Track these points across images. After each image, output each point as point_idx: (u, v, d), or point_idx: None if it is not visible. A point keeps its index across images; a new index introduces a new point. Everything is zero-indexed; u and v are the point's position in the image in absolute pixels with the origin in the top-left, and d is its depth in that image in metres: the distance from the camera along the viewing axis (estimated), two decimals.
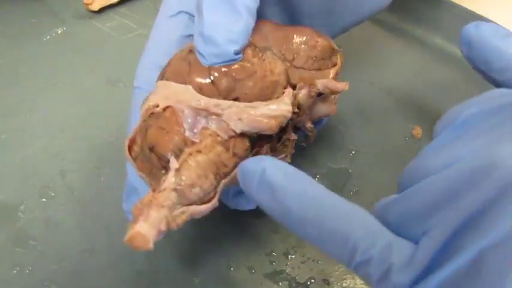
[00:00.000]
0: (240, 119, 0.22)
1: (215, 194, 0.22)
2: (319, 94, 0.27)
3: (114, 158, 0.34)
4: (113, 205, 0.32)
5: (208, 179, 0.21)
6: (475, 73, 0.27)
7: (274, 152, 0.26)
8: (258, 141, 0.24)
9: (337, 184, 0.34)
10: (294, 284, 0.29)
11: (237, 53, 0.22)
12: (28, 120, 0.37)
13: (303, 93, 0.25)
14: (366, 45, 0.44)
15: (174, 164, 0.21)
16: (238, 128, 0.22)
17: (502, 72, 0.24)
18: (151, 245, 0.19)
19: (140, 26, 0.46)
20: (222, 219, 0.31)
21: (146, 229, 0.19)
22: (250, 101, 0.23)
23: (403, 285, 0.17)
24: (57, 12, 0.47)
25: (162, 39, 0.27)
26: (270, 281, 0.29)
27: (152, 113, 0.23)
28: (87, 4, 0.46)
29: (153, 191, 0.21)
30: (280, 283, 0.29)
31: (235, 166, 0.22)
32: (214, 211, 0.22)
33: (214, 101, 0.22)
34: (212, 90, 0.22)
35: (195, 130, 0.22)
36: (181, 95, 0.22)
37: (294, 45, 0.26)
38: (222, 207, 0.23)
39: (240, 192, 0.27)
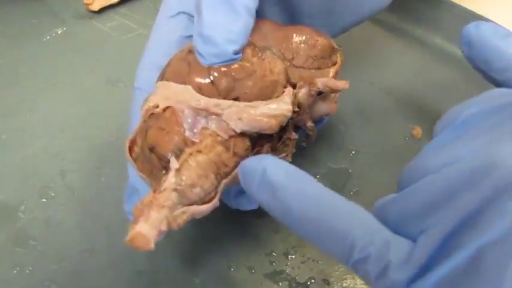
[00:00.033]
0: (240, 119, 0.22)
1: (216, 193, 0.22)
2: (320, 93, 0.27)
3: (114, 158, 0.34)
4: (113, 205, 0.32)
5: (208, 179, 0.21)
6: (475, 73, 0.27)
7: (275, 152, 0.26)
8: (259, 141, 0.24)
9: (337, 184, 0.34)
10: (294, 284, 0.29)
11: (236, 53, 0.22)
12: (28, 120, 0.37)
13: (303, 92, 0.25)
14: (366, 45, 0.44)
15: (174, 164, 0.21)
16: (239, 127, 0.22)
17: (502, 72, 0.24)
18: (152, 246, 0.19)
19: (140, 26, 0.46)
20: (222, 219, 0.31)
21: (147, 229, 0.20)
22: (250, 101, 0.23)
23: (400, 282, 0.17)
24: (57, 12, 0.47)
25: (162, 40, 0.27)
26: (270, 281, 0.29)
27: (152, 114, 0.23)
28: (87, 4, 0.46)
29: (154, 191, 0.21)
30: (280, 283, 0.29)
31: (235, 166, 0.22)
32: (214, 211, 0.22)
33: (214, 100, 0.22)
34: (212, 90, 0.22)
35: (195, 130, 0.22)
36: (181, 95, 0.22)
37: (294, 45, 0.26)
38: (222, 207, 0.23)
39: (241, 192, 0.28)
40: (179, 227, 0.21)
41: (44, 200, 0.33)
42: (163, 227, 0.20)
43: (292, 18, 0.30)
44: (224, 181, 0.22)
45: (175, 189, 0.20)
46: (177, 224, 0.21)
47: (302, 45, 0.26)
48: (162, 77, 0.24)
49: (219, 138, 0.22)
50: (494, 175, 0.16)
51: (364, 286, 0.29)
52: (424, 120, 0.37)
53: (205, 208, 0.21)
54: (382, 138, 0.36)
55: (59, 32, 0.45)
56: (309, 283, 0.29)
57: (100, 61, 0.42)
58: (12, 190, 0.33)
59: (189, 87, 0.22)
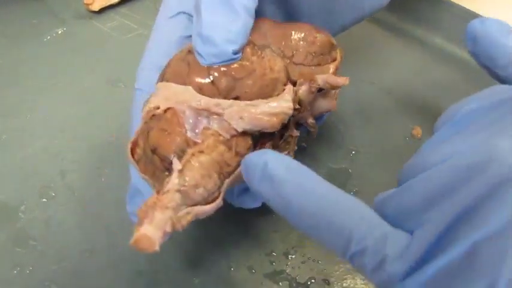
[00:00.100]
0: (241, 118, 0.22)
1: (219, 193, 0.22)
2: (320, 90, 0.27)
3: (114, 158, 0.34)
4: (113, 205, 0.32)
5: (211, 179, 0.21)
6: (475, 73, 0.27)
7: (276, 149, 0.26)
8: (260, 139, 0.24)
9: (337, 184, 0.32)
10: (294, 284, 0.29)
11: (235, 53, 0.22)
12: (28, 120, 0.37)
13: (303, 90, 0.25)
14: (366, 45, 0.44)
15: (177, 165, 0.21)
16: (240, 126, 0.22)
17: (506, 68, 0.24)
18: (157, 247, 0.19)
19: (140, 26, 0.46)
20: (222, 219, 0.31)
21: (151, 231, 0.19)
22: (250, 100, 0.23)
23: (397, 275, 0.18)
24: (58, 12, 0.47)
25: (162, 41, 0.27)
26: (270, 281, 0.29)
27: (153, 115, 0.23)
28: (88, 4, 0.46)
29: (157, 192, 0.21)
30: (280, 283, 0.29)
31: (238, 165, 0.22)
32: (216, 211, 0.22)
33: (215, 100, 0.22)
34: (212, 90, 0.22)
35: (197, 130, 0.22)
36: (181, 96, 0.22)
37: (293, 42, 0.26)
38: (223, 207, 0.23)
39: (244, 191, 0.28)
40: (183, 228, 0.21)
41: (44, 200, 0.33)
42: (168, 228, 0.20)
43: (292, 17, 0.30)
44: (227, 181, 0.22)
45: (178, 190, 0.20)
46: (181, 225, 0.21)
47: (301, 42, 0.26)
48: (162, 78, 0.24)
49: (221, 138, 0.22)
50: (492, 170, 0.16)
51: (364, 286, 0.29)
52: (424, 120, 0.37)
53: (209, 208, 0.21)
54: (382, 138, 0.36)
55: (59, 32, 0.45)
56: (309, 283, 0.29)
57: (100, 61, 0.42)
58: (12, 190, 0.33)
59: (190, 87, 0.22)
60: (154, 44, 0.27)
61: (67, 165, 0.34)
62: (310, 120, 0.27)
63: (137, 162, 0.23)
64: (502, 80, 0.25)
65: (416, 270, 0.17)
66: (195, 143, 0.22)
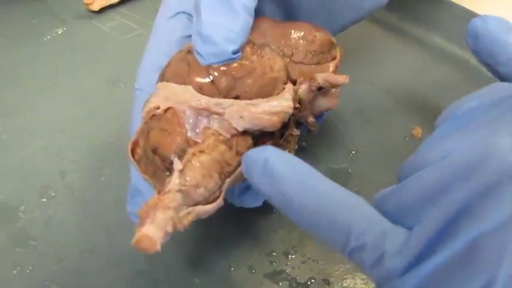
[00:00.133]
0: (241, 117, 0.22)
1: (220, 193, 0.22)
2: (320, 88, 0.27)
3: (114, 158, 0.34)
4: (113, 205, 0.32)
5: (212, 179, 0.21)
6: (475, 73, 0.27)
7: None
8: (261, 139, 0.24)
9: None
10: (294, 284, 0.29)
11: (235, 52, 0.22)
12: (28, 120, 0.37)
13: (303, 88, 0.25)
14: (365, 45, 0.44)
15: (177, 165, 0.21)
16: (240, 126, 0.22)
17: (507, 65, 0.24)
18: (158, 248, 0.19)
19: (140, 26, 0.46)
20: (222, 219, 0.31)
21: (153, 231, 0.19)
22: (250, 99, 0.23)
23: (396, 270, 0.18)
24: (57, 12, 0.47)
25: (162, 41, 0.27)
26: (270, 281, 0.29)
27: (153, 115, 0.23)
28: (88, 4, 0.46)
29: (158, 193, 0.21)
30: (280, 283, 0.29)
31: (239, 164, 0.22)
32: (217, 211, 0.22)
33: (215, 100, 0.22)
34: (212, 90, 0.22)
35: (197, 130, 0.22)
36: (181, 96, 0.22)
37: (293, 41, 0.26)
38: (224, 207, 0.23)
39: (245, 190, 0.28)
40: (185, 228, 0.21)
41: (44, 200, 0.33)
42: (169, 228, 0.20)
43: (291, 17, 0.30)
44: (228, 180, 0.22)
45: (179, 190, 0.20)
46: (182, 225, 0.21)
47: (301, 41, 0.26)
48: (162, 78, 0.24)
49: (222, 138, 0.22)
50: (491, 167, 0.16)
51: (364, 286, 0.29)
52: (424, 120, 0.37)
53: (210, 208, 0.21)
54: (382, 138, 0.36)
55: (59, 32, 0.45)
56: (309, 283, 0.29)
57: (100, 61, 0.42)
58: (12, 190, 0.33)
59: (190, 87, 0.22)
60: (154, 44, 0.27)
61: (67, 165, 0.34)
62: (311, 119, 0.27)
63: (138, 162, 0.23)
64: (503, 78, 0.25)
65: (415, 266, 0.17)
66: (196, 143, 0.22)
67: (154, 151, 0.22)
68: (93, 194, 0.33)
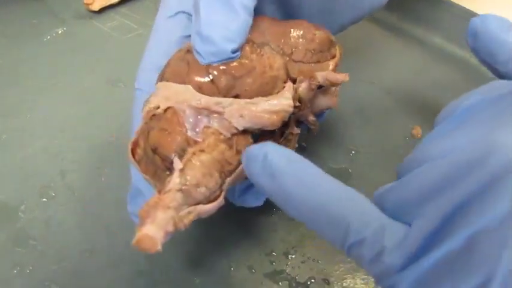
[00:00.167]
0: (241, 116, 0.22)
1: (221, 192, 0.22)
2: (320, 87, 0.27)
3: (114, 158, 0.34)
4: (113, 205, 0.32)
5: (213, 178, 0.21)
6: (475, 72, 0.27)
7: None
8: (261, 137, 0.24)
9: None
10: (294, 284, 0.29)
11: (234, 52, 0.22)
12: (28, 120, 0.37)
13: (303, 87, 0.25)
14: (365, 45, 0.44)
15: (178, 164, 0.21)
16: (241, 125, 0.22)
17: (506, 64, 0.24)
18: (159, 247, 0.19)
19: (140, 26, 0.46)
20: (222, 219, 0.31)
21: (154, 231, 0.19)
22: (250, 98, 0.23)
23: (394, 266, 0.17)
24: (57, 12, 0.47)
25: (162, 41, 0.27)
26: (270, 281, 0.29)
27: (153, 115, 0.23)
28: (88, 4, 0.46)
29: (159, 192, 0.21)
30: (280, 283, 0.29)
31: (239, 163, 0.22)
32: (217, 210, 0.22)
33: (215, 99, 0.22)
34: (212, 89, 0.22)
35: (197, 129, 0.22)
36: (181, 95, 0.22)
37: (292, 39, 0.26)
38: (224, 207, 0.23)
39: (246, 189, 0.28)
40: (186, 227, 0.21)
41: (44, 200, 0.33)
42: (170, 228, 0.20)
43: (291, 17, 0.30)
44: (228, 179, 0.22)
45: (180, 190, 0.20)
46: (183, 224, 0.21)
47: (300, 39, 0.26)
48: (162, 78, 0.24)
49: (222, 137, 0.22)
50: (491, 162, 0.16)
51: (364, 286, 0.29)
52: (424, 120, 0.37)
53: (211, 207, 0.21)
54: (382, 138, 0.36)
55: (59, 32, 0.45)
56: (309, 283, 0.29)
57: (100, 61, 0.42)
58: (12, 190, 0.33)
59: (189, 86, 0.22)
60: (154, 44, 0.27)
61: (67, 165, 0.34)
62: (311, 118, 0.27)
63: (138, 162, 0.23)
64: (502, 76, 0.25)
65: (414, 261, 0.17)
66: (196, 142, 0.22)
67: (155, 151, 0.22)
68: (93, 194, 0.33)
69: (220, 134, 0.22)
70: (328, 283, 0.29)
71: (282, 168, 0.19)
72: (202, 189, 0.21)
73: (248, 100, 0.23)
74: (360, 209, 0.19)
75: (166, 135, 0.22)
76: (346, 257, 0.30)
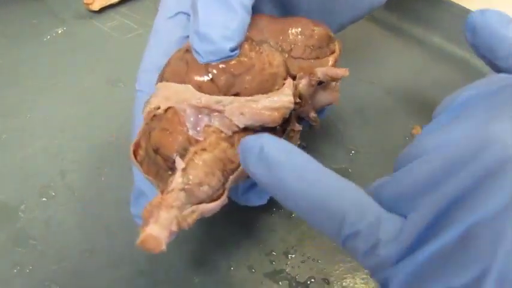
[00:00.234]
0: (242, 114, 0.22)
1: (224, 190, 0.22)
2: (320, 83, 0.27)
3: (114, 158, 0.34)
4: (113, 205, 0.32)
5: (215, 176, 0.21)
6: (475, 72, 0.27)
7: None
8: None
9: None
10: (294, 284, 0.29)
11: (232, 50, 0.22)
12: (28, 120, 0.37)
13: (303, 83, 0.25)
14: (365, 44, 0.44)
15: (180, 164, 0.21)
16: (241, 122, 0.22)
17: (506, 59, 0.24)
18: (163, 247, 0.19)
19: (140, 26, 0.46)
20: (222, 219, 0.31)
21: (157, 231, 0.19)
22: (251, 95, 0.23)
23: (390, 258, 0.17)
24: (57, 12, 0.47)
25: (162, 41, 0.27)
26: (270, 281, 0.29)
27: (154, 115, 0.23)
28: (88, 4, 0.46)
29: (162, 192, 0.21)
30: (280, 282, 0.29)
31: None
32: (220, 209, 0.22)
33: (215, 97, 0.22)
34: (212, 88, 0.22)
35: (198, 128, 0.22)
36: (181, 95, 0.22)
37: (291, 36, 0.26)
38: (225, 206, 0.23)
39: (249, 188, 0.27)
40: (189, 227, 0.21)
41: (44, 199, 0.33)
42: (174, 228, 0.20)
43: (289, 15, 0.30)
44: (231, 177, 0.22)
45: (183, 189, 0.20)
46: (187, 224, 0.20)
47: (299, 36, 0.26)
48: (162, 78, 0.24)
49: (223, 135, 0.22)
50: (488, 153, 0.16)
51: (363, 285, 0.29)
52: (424, 120, 0.37)
53: (214, 206, 0.21)
54: (382, 138, 0.36)
55: (59, 32, 0.45)
56: (308, 282, 0.29)
57: (100, 61, 0.42)
58: (12, 190, 0.33)
59: (189, 86, 0.22)
60: (154, 44, 0.27)
61: (67, 165, 0.34)
62: (312, 114, 0.27)
63: (140, 163, 0.23)
64: (502, 72, 0.25)
65: (410, 254, 0.17)
66: (197, 141, 0.22)
67: (156, 151, 0.22)
68: (93, 194, 0.33)
69: (222, 132, 0.22)
70: (328, 283, 0.29)
71: (278, 159, 0.19)
72: (205, 188, 0.21)
73: (248, 98, 0.23)
74: (355, 201, 0.19)
75: (167, 135, 0.22)
76: (346, 256, 0.30)
